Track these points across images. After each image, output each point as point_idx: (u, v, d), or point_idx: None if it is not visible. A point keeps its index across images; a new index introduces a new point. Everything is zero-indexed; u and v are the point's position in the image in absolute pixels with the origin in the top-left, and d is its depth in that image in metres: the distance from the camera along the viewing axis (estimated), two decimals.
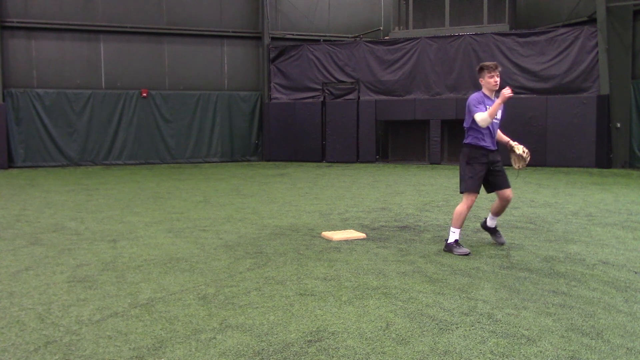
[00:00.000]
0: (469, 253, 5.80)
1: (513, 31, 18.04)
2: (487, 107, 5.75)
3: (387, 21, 21.47)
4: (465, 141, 5.97)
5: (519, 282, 4.79)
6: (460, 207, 5.89)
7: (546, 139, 17.09)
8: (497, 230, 6.35)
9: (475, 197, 5.91)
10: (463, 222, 5.95)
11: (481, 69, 5.92)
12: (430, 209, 8.88)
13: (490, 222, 6.29)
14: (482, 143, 5.86)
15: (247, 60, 21.13)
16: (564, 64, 17.16)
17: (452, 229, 5.91)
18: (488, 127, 5.84)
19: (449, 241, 5.94)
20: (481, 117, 5.68)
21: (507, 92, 5.51)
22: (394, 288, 4.63)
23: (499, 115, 5.91)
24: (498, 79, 5.86)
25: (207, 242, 6.51)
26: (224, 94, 20.59)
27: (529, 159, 6.07)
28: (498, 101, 5.60)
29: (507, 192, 6.00)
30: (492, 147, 5.92)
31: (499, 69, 5.94)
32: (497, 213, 6.20)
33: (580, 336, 3.60)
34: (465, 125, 5.98)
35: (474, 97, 5.87)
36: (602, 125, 16.64)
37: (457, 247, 5.85)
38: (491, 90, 5.91)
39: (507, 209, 8.78)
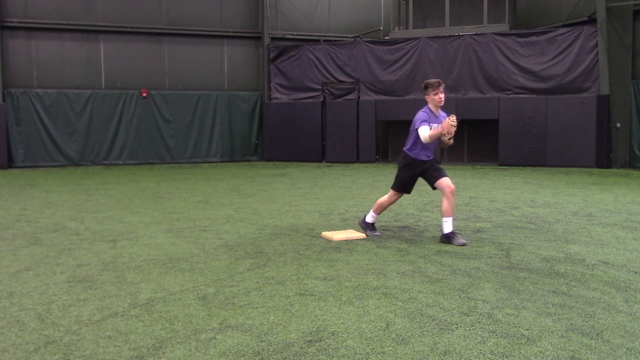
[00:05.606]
0: (380, 235, 6.77)
1: (513, 31, 18.03)
2: (431, 125, 6.21)
3: (387, 21, 21.46)
4: (405, 148, 6.51)
5: (519, 282, 4.79)
6: (383, 198, 6.78)
7: (546, 139, 17.05)
8: (454, 234, 6.32)
9: (398, 197, 6.72)
10: (382, 211, 6.84)
11: (426, 87, 6.43)
12: (430, 209, 8.88)
13: (447, 227, 6.30)
14: (418, 157, 6.41)
15: (247, 60, 21.13)
16: (564, 64, 17.16)
17: (371, 212, 6.80)
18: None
19: (367, 220, 6.81)
20: (424, 134, 6.12)
21: (451, 121, 5.97)
22: (394, 288, 4.63)
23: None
24: (442, 96, 6.33)
25: (207, 242, 6.51)
26: (224, 94, 20.58)
27: (454, 124, 6.11)
28: (439, 130, 6.10)
29: (445, 180, 6.34)
30: (426, 159, 6.45)
31: (443, 85, 6.43)
32: (447, 212, 6.23)
33: (580, 336, 3.60)
34: (409, 137, 6.47)
35: (421, 114, 6.32)
36: (602, 125, 16.63)
37: (371, 229, 6.80)
38: (436, 107, 6.39)
39: (506, 209, 8.81)
